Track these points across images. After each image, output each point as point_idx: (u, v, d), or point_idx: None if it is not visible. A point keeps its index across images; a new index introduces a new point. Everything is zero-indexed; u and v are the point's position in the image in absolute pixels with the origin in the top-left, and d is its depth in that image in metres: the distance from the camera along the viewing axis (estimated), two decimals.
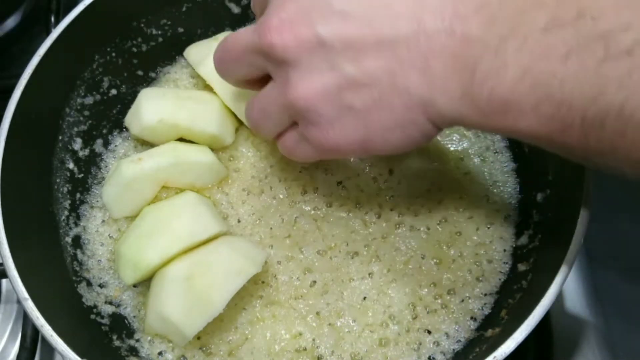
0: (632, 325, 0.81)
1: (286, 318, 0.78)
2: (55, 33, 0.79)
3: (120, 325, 0.79)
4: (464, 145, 0.88)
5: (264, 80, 0.65)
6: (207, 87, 0.88)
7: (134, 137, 0.90)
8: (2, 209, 0.70)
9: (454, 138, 0.88)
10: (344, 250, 0.82)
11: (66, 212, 0.82)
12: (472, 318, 0.77)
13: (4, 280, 0.95)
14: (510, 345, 0.62)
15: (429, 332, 0.77)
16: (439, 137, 0.88)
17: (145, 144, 0.89)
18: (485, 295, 0.78)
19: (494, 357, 0.62)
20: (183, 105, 0.85)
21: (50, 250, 0.78)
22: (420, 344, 0.76)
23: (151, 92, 0.87)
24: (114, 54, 0.89)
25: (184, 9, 0.92)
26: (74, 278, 0.79)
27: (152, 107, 0.84)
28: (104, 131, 0.90)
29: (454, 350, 0.76)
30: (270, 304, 0.79)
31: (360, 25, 0.53)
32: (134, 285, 0.81)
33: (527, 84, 0.47)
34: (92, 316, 0.77)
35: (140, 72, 0.94)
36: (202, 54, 0.88)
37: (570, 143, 0.48)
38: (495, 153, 0.87)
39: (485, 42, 0.48)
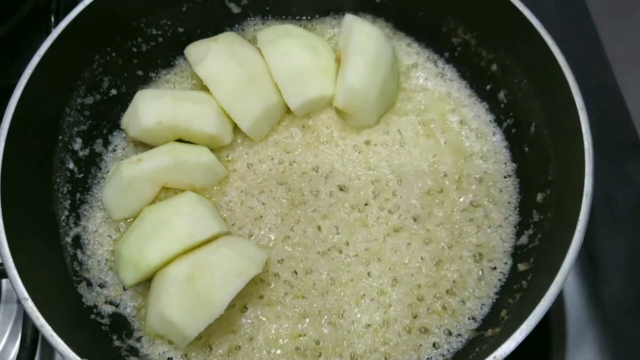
0: (632, 325, 0.81)
1: (287, 318, 0.78)
2: (55, 33, 0.79)
3: (120, 325, 0.79)
4: (465, 146, 0.88)
5: None
6: (205, 88, 0.88)
7: (130, 139, 0.90)
8: (2, 209, 0.70)
9: (456, 139, 0.88)
10: (344, 250, 0.82)
11: (66, 212, 0.82)
12: (472, 318, 0.77)
13: (4, 280, 0.95)
14: (510, 345, 0.62)
15: (429, 331, 0.77)
16: (441, 138, 0.88)
17: (144, 145, 0.89)
18: (485, 295, 0.79)
19: (494, 357, 0.62)
20: (181, 106, 0.85)
21: (50, 250, 0.78)
22: (421, 344, 0.76)
23: (148, 94, 0.87)
24: (114, 54, 0.89)
25: (184, 9, 0.92)
26: (74, 278, 0.79)
27: (150, 109, 0.84)
28: (104, 131, 0.90)
29: (454, 350, 0.76)
30: (271, 304, 0.79)
31: None
32: (134, 285, 0.81)
33: None
34: (92, 316, 0.77)
35: (140, 72, 0.94)
36: (201, 55, 0.88)
37: None
38: (495, 154, 0.87)
39: None
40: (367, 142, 0.88)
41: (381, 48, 0.86)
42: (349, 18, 0.89)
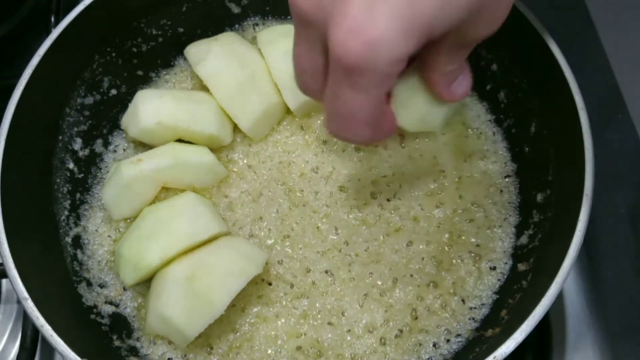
0: (632, 325, 0.81)
1: (287, 318, 0.78)
2: (55, 33, 0.79)
3: (120, 325, 0.79)
4: (465, 146, 0.88)
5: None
6: (205, 88, 0.88)
7: (130, 139, 0.90)
8: (2, 209, 0.70)
9: (456, 139, 0.88)
10: (344, 250, 0.82)
11: (66, 212, 0.82)
12: (472, 318, 0.77)
13: (4, 280, 0.95)
14: (510, 345, 0.62)
15: (429, 331, 0.77)
16: (441, 138, 0.88)
17: (144, 145, 0.89)
18: (485, 295, 0.79)
19: (494, 357, 0.62)
20: (181, 106, 0.85)
21: (50, 250, 0.78)
22: (421, 344, 0.76)
23: (148, 94, 0.87)
24: (114, 54, 0.89)
25: (184, 9, 0.92)
26: (74, 278, 0.79)
27: (150, 109, 0.84)
28: (104, 131, 0.90)
29: (454, 350, 0.76)
30: (271, 304, 0.79)
31: None
32: (134, 286, 0.81)
33: None
34: (92, 316, 0.77)
35: (140, 72, 0.94)
36: (201, 55, 0.88)
37: None
38: (495, 154, 0.87)
39: None
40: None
41: None
42: None
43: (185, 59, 0.93)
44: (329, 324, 0.78)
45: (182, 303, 0.72)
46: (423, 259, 0.81)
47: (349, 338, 0.77)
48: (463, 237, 0.82)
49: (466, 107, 0.91)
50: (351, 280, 0.80)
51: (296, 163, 0.88)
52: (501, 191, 0.85)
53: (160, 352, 0.77)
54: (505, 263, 0.80)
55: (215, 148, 0.88)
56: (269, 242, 0.83)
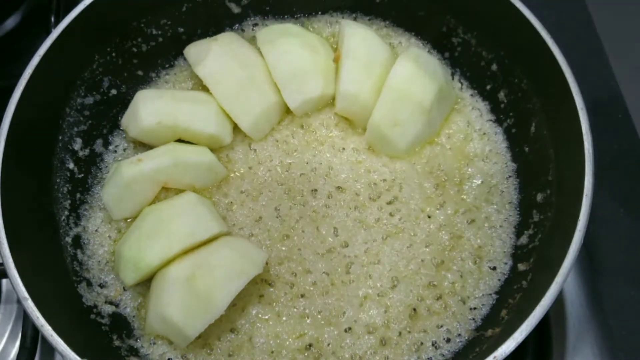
0: (632, 325, 0.81)
1: (287, 318, 0.78)
2: (55, 33, 0.79)
3: (120, 325, 0.79)
4: (466, 147, 0.88)
5: None
6: (205, 88, 0.88)
7: (130, 139, 0.90)
8: (2, 209, 0.70)
9: (457, 141, 0.88)
10: (343, 251, 0.82)
11: (66, 212, 0.82)
12: (472, 318, 0.77)
13: (4, 280, 0.95)
14: (510, 345, 0.62)
15: (429, 331, 0.77)
16: (441, 139, 0.88)
17: (144, 145, 0.89)
18: (485, 295, 0.79)
19: (494, 357, 0.62)
20: (181, 106, 0.85)
21: (50, 250, 0.78)
22: (421, 344, 0.76)
23: (148, 94, 0.87)
24: (114, 54, 0.89)
25: (184, 9, 0.92)
26: (74, 278, 0.79)
27: (150, 109, 0.84)
28: (104, 131, 0.90)
29: (454, 350, 0.76)
30: (271, 304, 0.79)
31: None
32: (134, 286, 0.80)
33: None
34: (92, 316, 0.77)
35: (140, 72, 0.94)
36: (201, 55, 0.88)
37: None
38: (496, 154, 0.87)
39: None
40: (368, 143, 0.88)
41: (375, 50, 0.87)
42: (343, 23, 0.90)
43: (185, 58, 0.93)
44: (330, 324, 0.78)
45: (183, 303, 0.72)
46: (423, 260, 0.81)
47: (349, 338, 0.77)
48: (463, 238, 0.82)
49: (467, 108, 0.90)
50: (351, 281, 0.80)
51: (296, 163, 0.88)
52: (502, 192, 0.85)
53: (160, 352, 0.77)
54: (505, 263, 0.80)
55: (215, 148, 0.88)
56: (269, 242, 0.83)
